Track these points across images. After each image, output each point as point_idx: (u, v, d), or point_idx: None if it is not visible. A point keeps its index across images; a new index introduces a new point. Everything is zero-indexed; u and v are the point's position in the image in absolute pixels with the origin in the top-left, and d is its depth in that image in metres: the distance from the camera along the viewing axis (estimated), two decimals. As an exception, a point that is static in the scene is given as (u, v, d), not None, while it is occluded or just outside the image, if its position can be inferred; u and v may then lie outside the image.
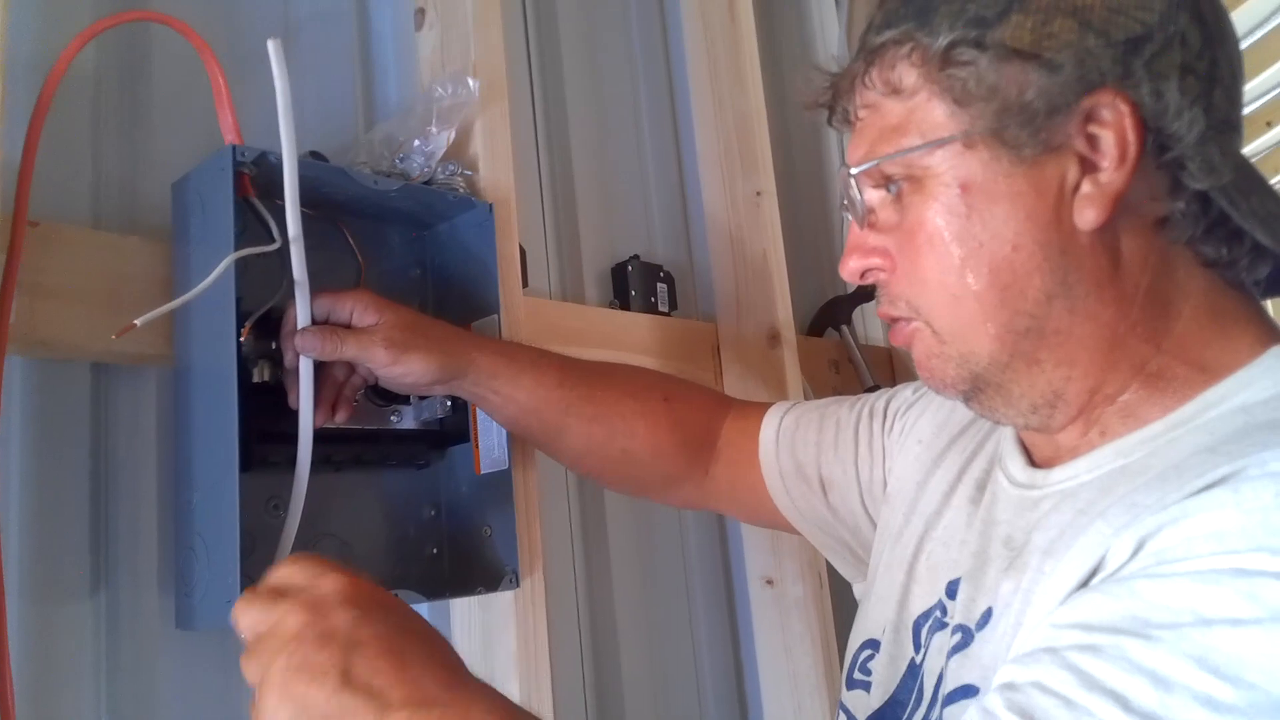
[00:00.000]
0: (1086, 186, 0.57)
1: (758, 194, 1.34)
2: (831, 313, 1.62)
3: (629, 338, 1.21)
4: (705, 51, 1.39)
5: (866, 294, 1.63)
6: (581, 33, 1.34)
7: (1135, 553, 0.50)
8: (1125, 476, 0.58)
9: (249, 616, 0.56)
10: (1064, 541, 0.57)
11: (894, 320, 0.66)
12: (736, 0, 1.39)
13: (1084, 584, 0.53)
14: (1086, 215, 0.57)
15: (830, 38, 1.86)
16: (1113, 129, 0.57)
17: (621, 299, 1.27)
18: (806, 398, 1.35)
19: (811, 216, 1.70)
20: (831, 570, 1.27)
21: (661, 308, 1.29)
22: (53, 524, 0.77)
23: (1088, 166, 0.58)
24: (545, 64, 1.28)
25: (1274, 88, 3.29)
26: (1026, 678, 0.48)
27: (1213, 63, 0.58)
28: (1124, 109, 0.56)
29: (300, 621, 0.52)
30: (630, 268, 1.27)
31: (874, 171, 0.63)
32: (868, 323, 1.76)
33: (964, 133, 0.59)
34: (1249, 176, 0.60)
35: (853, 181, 0.63)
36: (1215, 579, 0.46)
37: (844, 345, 1.60)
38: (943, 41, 0.58)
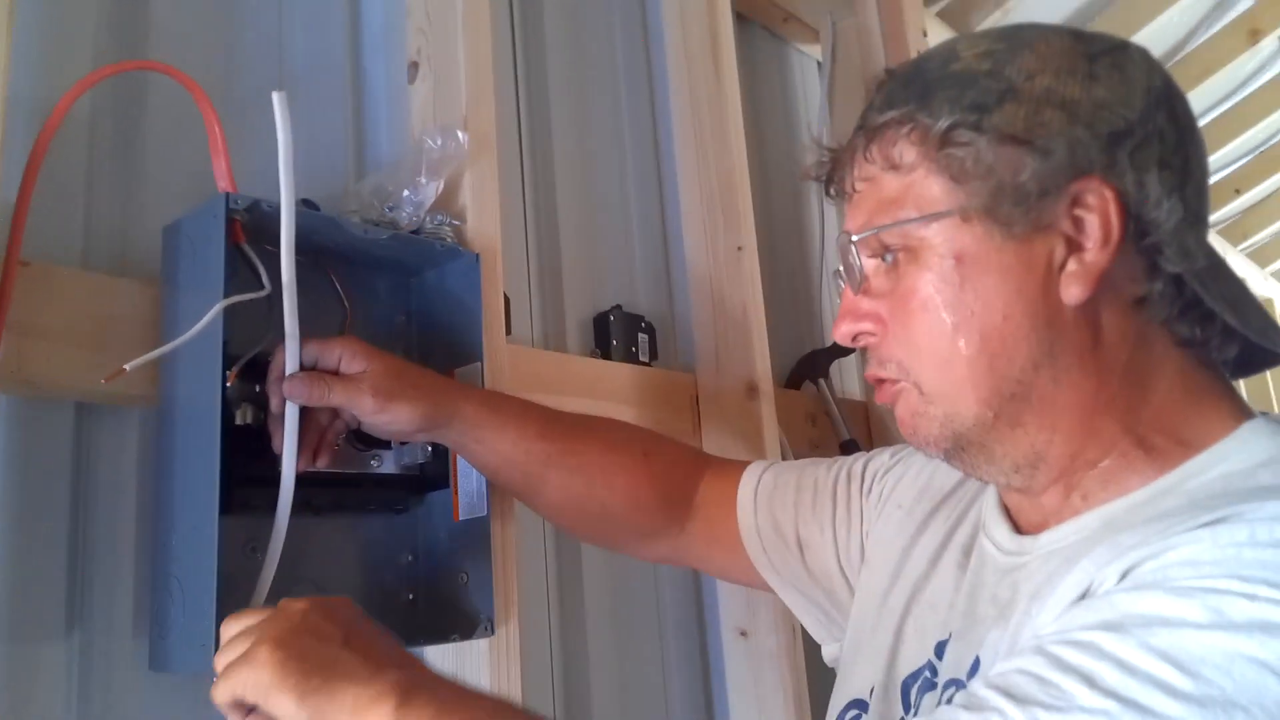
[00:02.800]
0: (1072, 265, 0.61)
1: (739, 249, 1.37)
2: (809, 366, 1.64)
3: (609, 387, 1.22)
4: (690, 108, 1.42)
5: (844, 349, 1.66)
6: (570, 87, 1.37)
7: (1119, 581, 0.54)
8: (1110, 531, 0.60)
9: (241, 621, 0.64)
10: (1050, 585, 0.60)
11: (880, 381, 0.68)
12: (721, 59, 1.42)
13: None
14: (1072, 291, 0.61)
15: (811, 98, 1.91)
16: (1097, 213, 0.61)
17: (603, 348, 1.28)
18: (783, 449, 1.36)
19: (790, 272, 1.73)
20: (805, 623, 1.28)
21: (642, 358, 1.31)
22: (30, 562, 0.77)
23: (1073, 246, 0.61)
24: (534, 117, 1.30)
25: (1242, 156, 3.38)
26: (1009, 667, 0.52)
27: (1185, 159, 0.63)
28: (1108, 195, 0.60)
29: (305, 605, 0.62)
30: (612, 317, 1.29)
31: (871, 240, 0.66)
32: (844, 376, 1.78)
33: (960, 208, 0.62)
34: (1217, 264, 0.64)
35: (852, 248, 0.67)
36: (1187, 593, 0.50)
37: (821, 398, 1.62)
38: (943, 124, 0.62)
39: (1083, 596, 0.56)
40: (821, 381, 1.62)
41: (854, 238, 0.66)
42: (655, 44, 1.49)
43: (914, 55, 1.76)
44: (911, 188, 0.64)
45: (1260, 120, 3.20)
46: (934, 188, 0.63)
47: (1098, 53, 0.63)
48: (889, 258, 0.66)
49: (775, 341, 1.39)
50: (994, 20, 2.31)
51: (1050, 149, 0.60)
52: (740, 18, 1.69)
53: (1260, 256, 4.48)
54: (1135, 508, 0.61)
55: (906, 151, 0.64)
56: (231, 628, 0.63)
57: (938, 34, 2.08)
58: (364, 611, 0.65)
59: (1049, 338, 0.62)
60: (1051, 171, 0.60)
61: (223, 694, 0.59)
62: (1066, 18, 2.59)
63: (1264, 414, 0.64)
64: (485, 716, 0.57)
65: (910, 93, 0.65)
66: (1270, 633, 0.47)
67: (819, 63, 1.90)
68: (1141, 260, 0.62)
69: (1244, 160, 3.42)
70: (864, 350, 0.69)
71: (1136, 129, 0.61)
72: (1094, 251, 0.61)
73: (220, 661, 0.61)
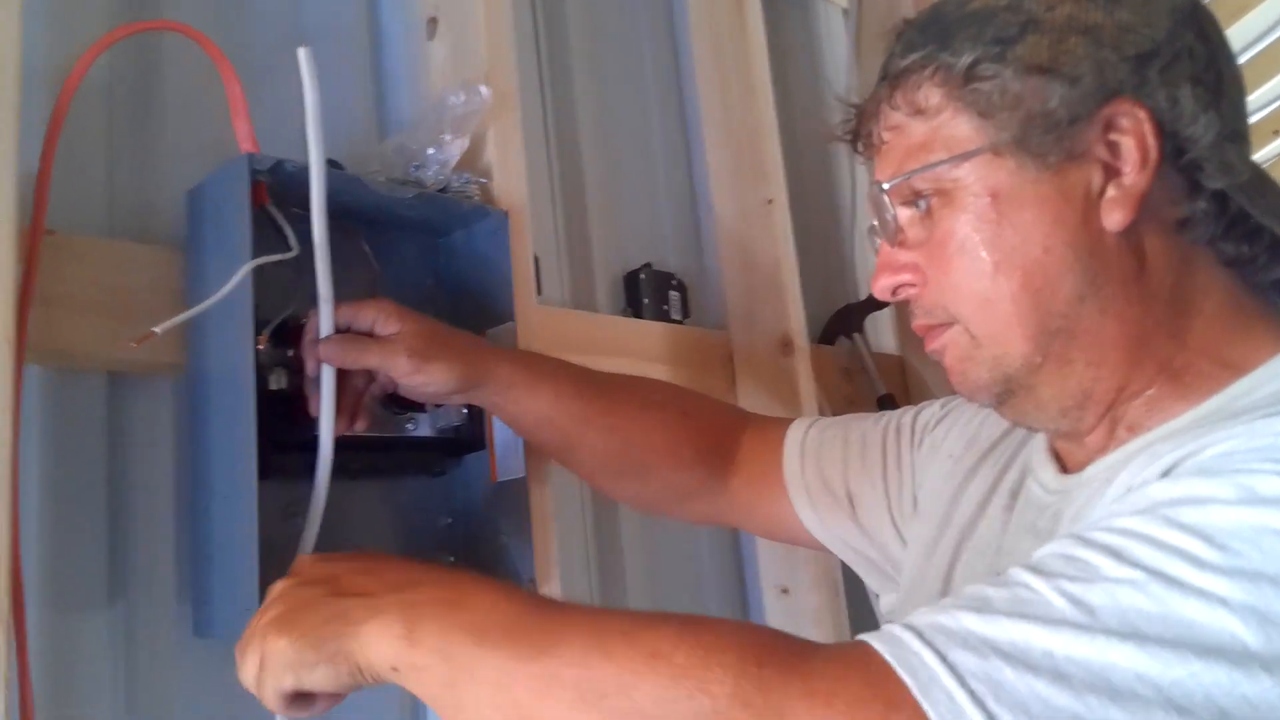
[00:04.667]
0: (1111, 190, 0.60)
1: (769, 202, 1.34)
2: (843, 321, 1.62)
3: (642, 346, 1.20)
4: (715, 60, 1.39)
5: (878, 303, 1.63)
6: (591, 41, 1.34)
7: (1159, 479, 0.53)
8: (1154, 447, 0.59)
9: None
10: (1090, 504, 0.60)
11: (929, 329, 0.67)
12: (746, 10, 1.39)
13: None
14: (1113, 217, 0.60)
15: (838, 48, 1.87)
16: (1132, 134, 0.59)
17: (634, 307, 1.27)
18: (819, 406, 1.34)
19: (821, 225, 1.70)
20: (847, 580, 1.27)
21: (674, 316, 1.29)
22: (70, 533, 0.77)
23: (1110, 172, 0.60)
24: (555, 72, 1.28)
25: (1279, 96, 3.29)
26: (1042, 552, 0.51)
27: (1218, 76, 0.62)
28: (1142, 115, 0.59)
29: (280, 588, 0.64)
30: (642, 276, 1.27)
31: (903, 188, 0.65)
32: (879, 331, 1.75)
33: (990, 144, 0.61)
34: (1262, 177, 0.62)
35: (885, 199, 0.66)
36: (1217, 474, 0.49)
37: (856, 353, 1.59)
38: (966, 60, 0.61)
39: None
40: (856, 336, 1.60)
41: (885, 186, 0.65)
42: (677, -5, 1.46)
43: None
44: (939, 130, 0.63)
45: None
46: (962, 126, 0.62)
47: None
48: (922, 204, 0.65)
49: (808, 297, 1.37)
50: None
51: (1078, 75, 0.59)
52: (763, -33, 1.66)
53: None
54: (1177, 432, 0.60)
55: (931, 94, 0.63)
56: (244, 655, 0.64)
57: (965, -23, 2.02)
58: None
59: (1093, 267, 0.61)
60: (1081, 97, 0.59)
61: (267, 700, 0.62)
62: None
63: None
64: (490, 614, 0.56)
65: (929, 36, 0.64)
66: None
67: (845, 10, 1.86)
68: (1182, 179, 0.61)
69: (1273, 106, 3.33)
70: (906, 303, 0.68)
71: (1164, 48, 0.60)
72: (1132, 174, 0.60)
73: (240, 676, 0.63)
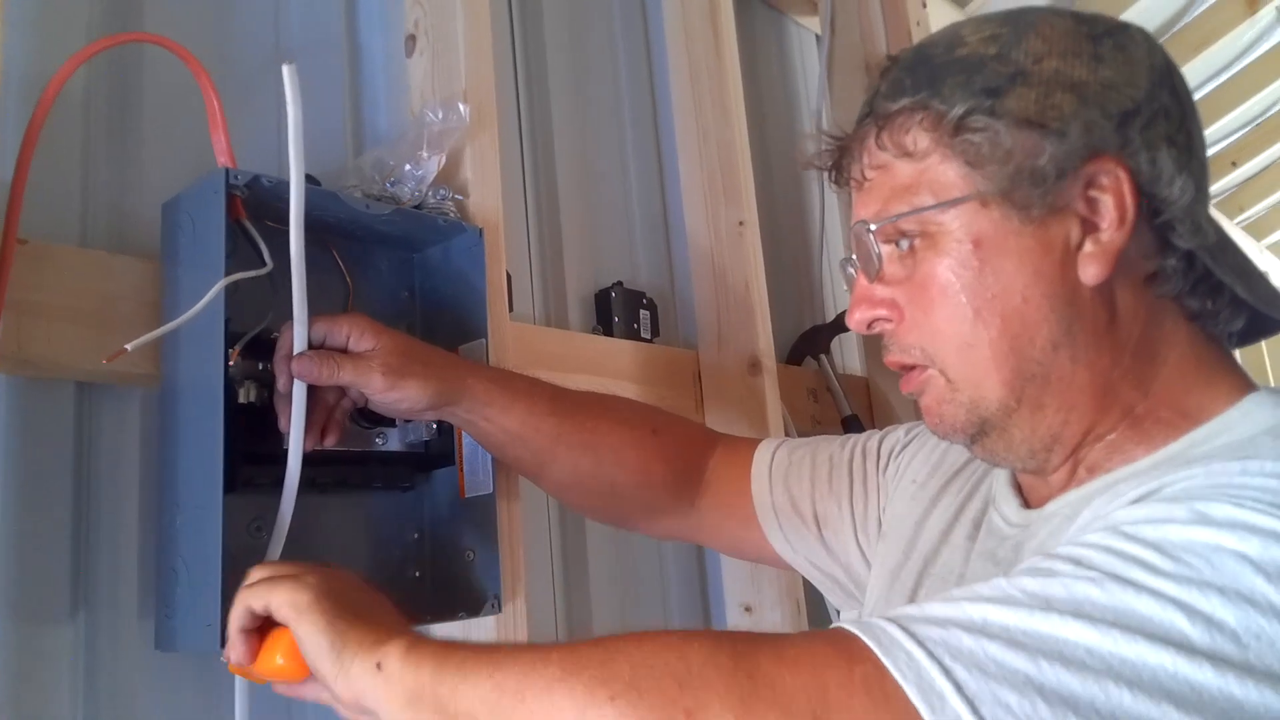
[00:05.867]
0: (1089, 245, 0.62)
1: (740, 224, 1.36)
2: (810, 342, 1.64)
3: (612, 364, 1.21)
4: (691, 83, 1.41)
5: (845, 324, 1.65)
6: (568, 60, 1.35)
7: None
8: (1115, 487, 0.61)
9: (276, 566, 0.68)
10: (1054, 539, 0.62)
11: (905, 368, 0.69)
12: (721, 30, 1.41)
13: None
14: (1089, 271, 0.62)
15: (810, 72, 1.89)
16: (1111, 193, 0.61)
17: (604, 325, 1.28)
18: (786, 426, 1.36)
19: (791, 247, 1.72)
20: (809, 596, 1.29)
21: (644, 334, 1.30)
22: (33, 543, 0.76)
23: (1088, 226, 0.62)
24: (533, 91, 1.29)
25: (1239, 128, 3.37)
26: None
27: (1189, 135, 0.64)
28: (1122, 175, 0.61)
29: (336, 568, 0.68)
30: (614, 294, 1.28)
31: (888, 228, 0.66)
32: (845, 352, 1.77)
33: (977, 193, 0.63)
34: (1224, 238, 0.65)
35: (869, 237, 0.67)
36: (1174, 503, 0.52)
37: (822, 374, 1.61)
38: (958, 110, 0.62)
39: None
40: (823, 357, 1.62)
41: (871, 226, 0.66)
42: (654, 15, 1.48)
43: (914, 28, 1.76)
44: (926, 173, 0.64)
45: (1258, 92, 3.18)
46: (950, 173, 0.64)
47: (1100, 33, 0.63)
48: (904, 244, 0.66)
49: (776, 317, 1.39)
50: (993, -9, 2.29)
51: (1065, 131, 0.61)
52: (739, -10, 1.68)
53: (1257, 229, 4.48)
54: (1137, 474, 0.62)
55: (920, 138, 0.65)
56: (267, 569, 0.68)
57: (937, 7, 2.06)
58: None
59: (1068, 317, 0.62)
60: (1067, 154, 0.61)
61: (256, 599, 0.64)
62: (1065, -11, 2.57)
63: (1266, 387, 0.65)
64: (483, 658, 0.57)
65: (918, 79, 0.65)
66: (1251, 531, 0.49)
67: (818, 36, 1.89)
68: (1153, 236, 0.63)
69: (1241, 132, 3.41)
70: (879, 335, 0.70)
71: (1143, 107, 0.62)
72: (1109, 231, 0.62)
73: (258, 574, 0.67)
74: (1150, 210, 0.62)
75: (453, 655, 0.57)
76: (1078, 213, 0.62)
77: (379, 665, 0.58)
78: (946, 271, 0.64)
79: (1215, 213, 0.68)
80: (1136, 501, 0.55)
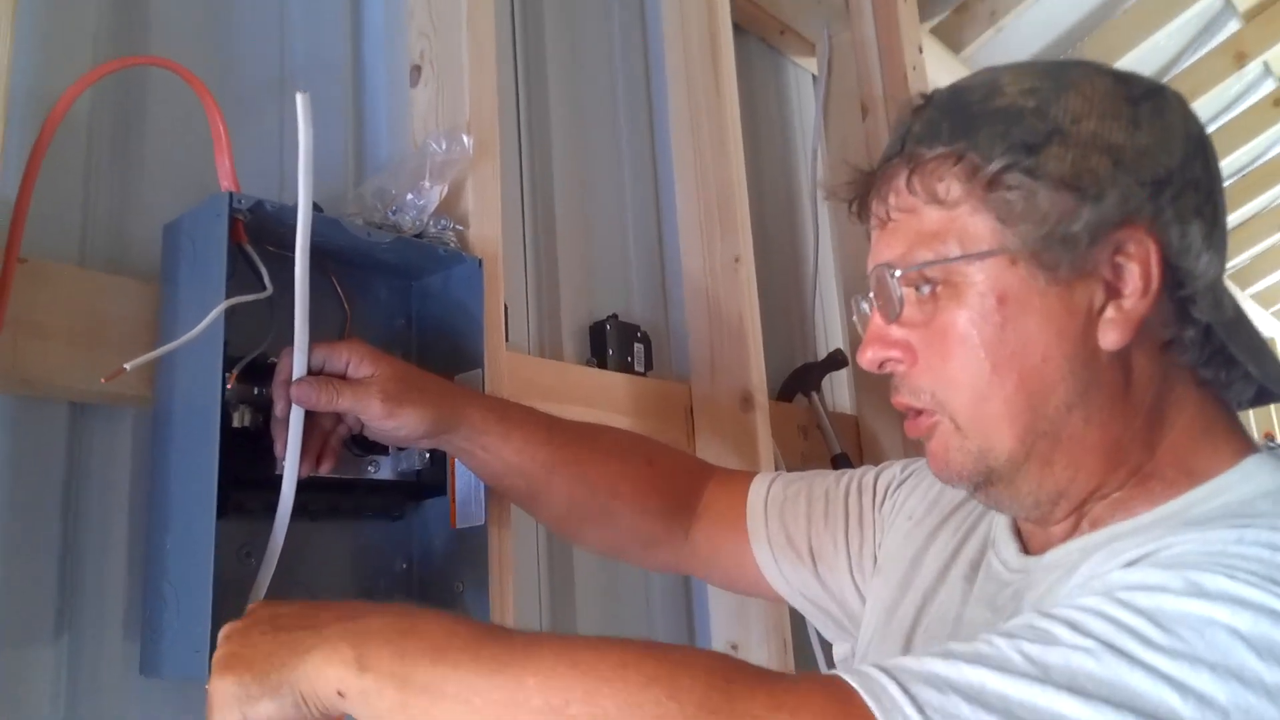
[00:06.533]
0: (1110, 310, 0.62)
1: (735, 259, 1.37)
2: (801, 379, 1.64)
3: (605, 396, 1.21)
4: (689, 117, 1.42)
5: (836, 362, 1.66)
6: (570, 95, 1.36)
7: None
8: (1114, 543, 0.61)
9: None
10: (1052, 595, 0.62)
11: (914, 411, 0.68)
12: (721, 69, 1.42)
13: None
14: (1109, 336, 0.62)
15: (807, 111, 1.92)
16: (1138, 261, 0.61)
17: (599, 357, 1.28)
18: (776, 462, 1.36)
19: (784, 284, 1.73)
20: (796, 635, 1.28)
21: (637, 367, 1.30)
22: (20, 563, 0.75)
23: (1112, 291, 0.62)
24: (534, 123, 1.30)
25: (1225, 179, 3.42)
26: (1010, 623, 0.53)
27: (1215, 209, 0.64)
28: (1151, 245, 0.61)
29: (229, 629, 0.64)
30: (608, 326, 1.28)
31: (912, 274, 0.66)
32: (835, 390, 1.78)
33: (1006, 249, 0.63)
34: (1240, 315, 0.65)
35: (891, 280, 0.66)
36: (1168, 566, 0.53)
37: (813, 411, 1.62)
38: (996, 166, 0.62)
39: None
40: (814, 394, 1.62)
41: (896, 272, 0.66)
42: (654, 52, 1.49)
43: (909, 72, 1.78)
44: (955, 222, 0.64)
45: (1244, 144, 3.24)
46: (980, 225, 0.63)
47: (1139, 96, 0.63)
48: (925, 289, 0.66)
49: (768, 354, 1.39)
50: (987, 38, 2.33)
51: (1102, 196, 0.60)
52: (737, 29, 1.70)
53: (1240, 279, 4.53)
54: (1139, 529, 0.62)
55: (953, 187, 0.64)
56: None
57: (933, 50, 2.09)
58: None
59: (1085, 379, 0.63)
60: (1100, 219, 0.61)
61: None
62: (1057, 37, 2.62)
63: (1268, 448, 0.66)
64: (446, 636, 0.56)
65: (954, 124, 0.65)
66: (1244, 606, 0.49)
67: (814, 76, 1.91)
68: (1173, 307, 0.63)
69: (1227, 182, 3.46)
70: (884, 375, 0.70)
71: (1176, 177, 0.61)
72: (1133, 299, 0.62)
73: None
74: (1174, 281, 0.62)
75: (414, 669, 0.54)
76: (1103, 277, 0.62)
77: (340, 693, 0.56)
78: (967, 323, 0.63)
79: (1229, 283, 0.69)
80: (1133, 564, 0.55)
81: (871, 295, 0.69)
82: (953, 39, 2.34)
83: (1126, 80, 0.64)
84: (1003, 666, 0.49)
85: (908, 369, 0.67)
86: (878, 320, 0.68)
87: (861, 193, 0.71)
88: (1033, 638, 0.50)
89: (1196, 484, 0.63)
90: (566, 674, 0.51)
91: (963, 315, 0.64)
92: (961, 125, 0.64)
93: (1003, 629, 0.52)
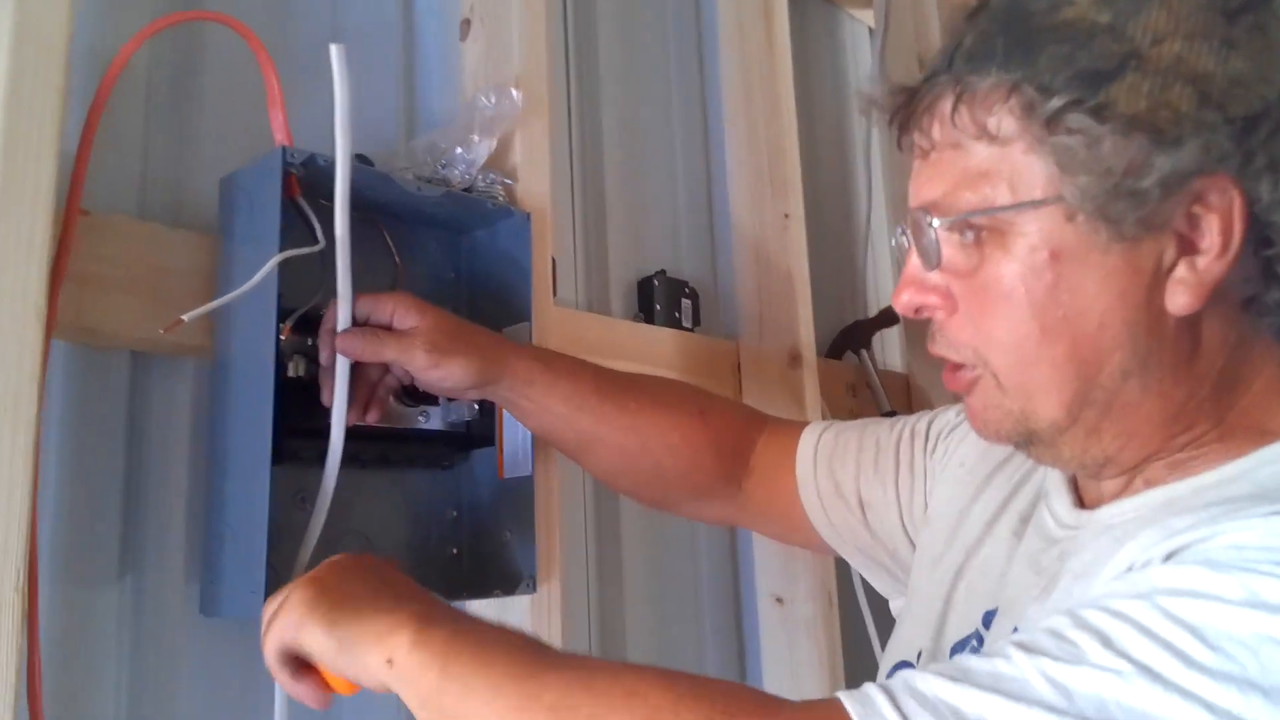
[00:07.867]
0: (1182, 271, 0.55)
1: (786, 216, 1.36)
2: (851, 337, 1.63)
3: (652, 352, 1.22)
4: (741, 73, 1.40)
5: (887, 320, 1.64)
6: (620, 49, 1.35)
7: (1162, 561, 0.51)
8: (1169, 511, 0.56)
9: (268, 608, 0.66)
10: (1095, 566, 0.57)
11: (954, 366, 0.64)
12: (774, 24, 1.40)
13: None
14: (1179, 301, 0.55)
15: (862, 65, 1.88)
16: (1219, 215, 0.54)
17: (646, 313, 1.28)
18: (824, 419, 1.35)
19: (834, 240, 1.71)
20: (842, 590, 1.29)
21: (685, 323, 1.30)
22: (86, 508, 0.78)
23: (1185, 246, 0.55)
24: (583, 78, 1.29)
25: None
26: (1036, 626, 0.50)
27: None
28: (1236, 198, 0.53)
29: (335, 558, 0.67)
30: (656, 282, 1.29)
31: (953, 223, 0.60)
32: (886, 348, 1.77)
33: (1064, 200, 0.55)
34: None
35: (929, 228, 0.60)
36: (1224, 569, 0.47)
37: (862, 370, 1.61)
38: (1056, 103, 0.54)
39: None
40: (863, 352, 1.61)
41: (935, 222, 0.59)
42: (707, 7, 1.47)
43: (969, 22, 1.73)
44: (1006, 160, 0.57)
45: None
46: (1034, 169, 0.56)
47: (1237, 9, 0.54)
48: (969, 235, 0.59)
49: (817, 311, 1.38)
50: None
51: (1180, 140, 0.52)
52: (792, -20, 1.67)
53: None
54: (1200, 490, 0.57)
55: (1005, 121, 0.56)
56: (268, 608, 0.66)
57: (993, 1, 2.03)
58: (403, 564, 0.69)
59: (1146, 346, 0.56)
60: (1176, 169, 0.52)
61: (269, 646, 0.64)
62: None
63: None
64: (495, 641, 0.58)
65: (1011, 44, 0.56)
66: None
67: (871, 29, 1.87)
68: (1257, 264, 0.55)
69: None
70: (925, 322, 0.65)
71: (1274, 110, 0.53)
72: (1209, 259, 0.54)
73: (265, 620, 0.65)
74: (1259, 238, 0.54)
75: (456, 660, 0.56)
76: (1176, 230, 0.54)
77: (390, 661, 0.58)
78: (1014, 278, 0.57)
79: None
80: (1181, 551, 0.50)
81: (909, 234, 0.62)
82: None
83: None
84: (1019, 694, 0.45)
85: (946, 318, 0.62)
86: (915, 261, 0.62)
87: (904, 116, 0.62)
88: (1059, 654, 0.46)
89: (1268, 442, 0.56)
90: (579, 695, 0.52)
91: (1010, 269, 0.57)
92: (1020, 45, 0.56)
93: (1028, 639, 0.48)
